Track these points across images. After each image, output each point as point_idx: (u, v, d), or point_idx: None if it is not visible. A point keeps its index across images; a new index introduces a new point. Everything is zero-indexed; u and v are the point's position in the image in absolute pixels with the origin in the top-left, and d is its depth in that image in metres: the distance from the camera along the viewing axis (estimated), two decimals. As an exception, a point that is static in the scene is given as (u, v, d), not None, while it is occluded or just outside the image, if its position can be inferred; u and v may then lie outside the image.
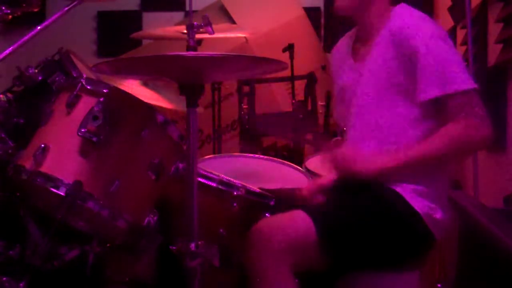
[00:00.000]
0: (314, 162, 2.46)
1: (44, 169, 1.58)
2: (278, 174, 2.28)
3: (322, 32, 3.70)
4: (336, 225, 1.70)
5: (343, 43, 2.00)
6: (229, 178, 1.84)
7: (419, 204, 1.76)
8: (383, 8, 1.83)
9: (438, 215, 1.78)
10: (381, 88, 1.79)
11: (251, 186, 1.85)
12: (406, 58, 1.73)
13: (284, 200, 1.89)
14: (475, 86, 1.69)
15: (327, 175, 1.94)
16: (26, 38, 1.98)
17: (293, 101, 3.55)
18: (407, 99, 1.76)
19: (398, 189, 1.77)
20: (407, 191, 1.77)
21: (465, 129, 1.67)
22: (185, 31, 1.76)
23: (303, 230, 1.66)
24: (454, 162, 1.82)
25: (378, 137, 1.79)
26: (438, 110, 1.73)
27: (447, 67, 1.69)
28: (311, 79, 3.63)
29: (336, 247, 1.69)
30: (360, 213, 1.73)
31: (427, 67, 1.69)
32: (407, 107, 1.76)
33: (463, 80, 1.68)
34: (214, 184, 1.80)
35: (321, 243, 1.66)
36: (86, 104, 1.62)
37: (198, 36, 1.77)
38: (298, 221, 1.68)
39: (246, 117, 3.57)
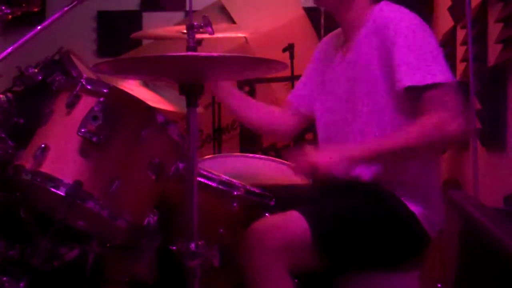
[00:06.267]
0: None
1: (44, 169, 1.58)
2: (278, 174, 2.28)
3: (322, 32, 3.69)
4: (330, 226, 1.70)
5: (330, 39, 2.03)
6: (229, 178, 1.84)
7: (413, 204, 1.76)
8: (364, 5, 1.84)
9: (432, 214, 1.79)
10: (361, 81, 1.80)
11: (251, 186, 1.85)
12: (385, 50, 1.73)
13: (283, 197, 1.89)
14: (451, 79, 1.68)
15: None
16: (26, 38, 1.98)
17: (293, 101, 3.54)
18: (383, 93, 1.76)
19: (392, 189, 1.77)
20: (401, 192, 1.77)
21: (436, 123, 1.64)
22: (185, 31, 1.76)
23: (297, 231, 1.66)
24: (427, 154, 1.82)
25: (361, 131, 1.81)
26: (411, 104, 1.72)
27: (424, 59, 1.68)
28: (311, 79, 3.63)
29: (330, 248, 1.70)
30: (354, 214, 1.74)
31: (403, 58, 1.68)
32: (384, 103, 1.76)
33: (440, 72, 1.67)
34: (214, 184, 1.80)
35: (316, 244, 1.66)
36: (86, 104, 1.62)
37: (198, 36, 1.76)
38: (293, 221, 1.68)
39: (246, 117, 3.56)
